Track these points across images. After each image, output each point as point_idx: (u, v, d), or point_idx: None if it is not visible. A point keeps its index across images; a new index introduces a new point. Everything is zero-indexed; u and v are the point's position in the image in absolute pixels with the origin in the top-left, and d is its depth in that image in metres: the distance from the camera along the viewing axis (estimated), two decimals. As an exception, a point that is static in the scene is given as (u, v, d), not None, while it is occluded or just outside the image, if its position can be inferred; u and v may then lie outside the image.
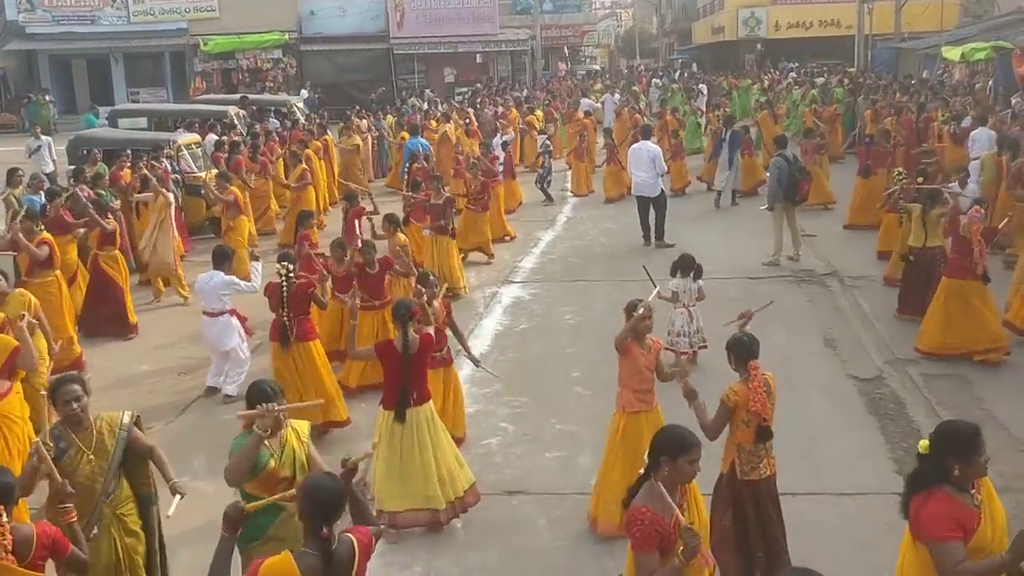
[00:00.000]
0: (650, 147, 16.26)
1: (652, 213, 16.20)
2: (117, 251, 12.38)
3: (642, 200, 16.27)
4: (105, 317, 12.09)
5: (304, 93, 35.23)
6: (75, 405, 5.35)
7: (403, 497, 7.02)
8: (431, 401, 7.29)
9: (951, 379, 9.88)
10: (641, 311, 6.80)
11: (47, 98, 36.28)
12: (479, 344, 11.43)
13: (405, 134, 22.23)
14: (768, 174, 15.85)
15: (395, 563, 6.74)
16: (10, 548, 4.34)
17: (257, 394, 5.15)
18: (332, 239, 10.89)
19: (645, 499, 4.37)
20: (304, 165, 17.40)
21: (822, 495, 7.56)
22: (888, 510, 7.24)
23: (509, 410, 9.51)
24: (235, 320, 10.10)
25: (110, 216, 12.38)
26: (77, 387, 5.39)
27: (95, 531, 5.36)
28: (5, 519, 4.34)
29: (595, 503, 7.12)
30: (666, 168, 16.84)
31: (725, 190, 19.38)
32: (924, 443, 4.37)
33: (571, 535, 7.12)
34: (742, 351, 6.02)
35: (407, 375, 6.97)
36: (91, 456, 5.37)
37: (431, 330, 7.46)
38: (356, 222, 12.72)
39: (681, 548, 4.16)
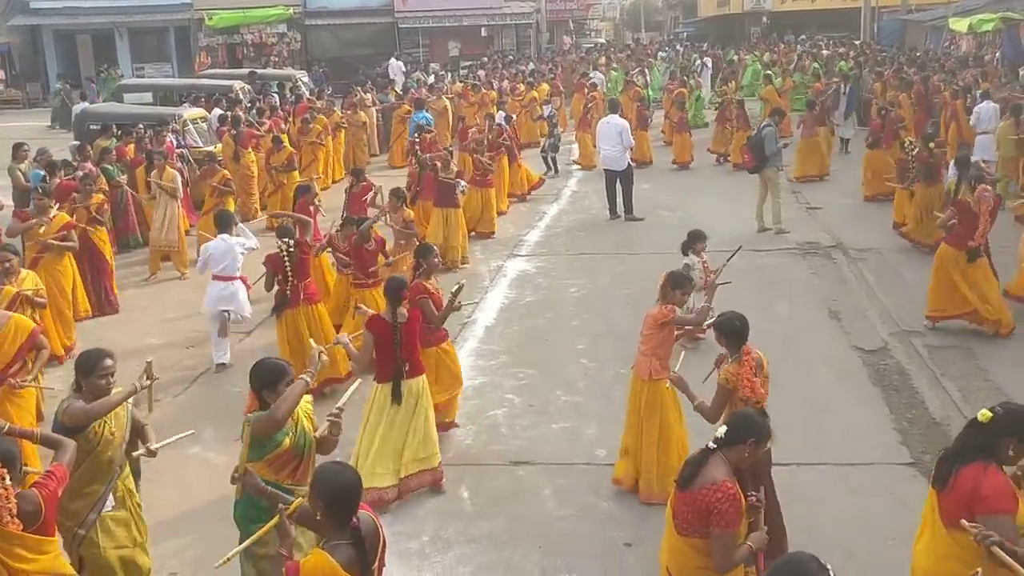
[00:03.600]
0: (617, 121, 16.34)
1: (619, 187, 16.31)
2: (103, 228, 12.30)
3: (609, 174, 16.40)
4: (93, 293, 11.97)
5: (395, 63, 35.33)
6: (111, 379, 5.46)
7: (385, 474, 7.11)
8: (424, 376, 7.35)
9: (956, 351, 9.90)
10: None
11: (118, 71, 36.17)
12: (485, 317, 11.48)
13: (408, 107, 22.27)
14: None
15: (403, 532, 6.81)
16: (14, 512, 4.34)
17: (268, 371, 5.15)
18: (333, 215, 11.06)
19: (725, 474, 4.44)
20: (291, 149, 17.09)
21: (826, 466, 7.60)
22: (892, 481, 7.33)
23: (515, 382, 9.56)
24: (243, 287, 10.26)
25: (98, 195, 12.37)
26: (111, 362, 5.48)
27: (111, 503, 5.45)
28: (8, 482, 4.35)
29: (625, 467, 7.23)
30: (633, 142, 16.87)
31: (848, 138, 21.81)
32: (986, 413, 4.37)
33: (577, 505, 7.18)
34: (735, 335, 6.05)
35: (399, 349, 7.06)
36: (113, 428, 5.45)
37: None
38: (365, 199, 12.76)
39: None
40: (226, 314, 10.06)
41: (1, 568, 4.35)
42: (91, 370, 5.40)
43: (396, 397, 7.09)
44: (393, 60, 36.11)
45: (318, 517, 4.01)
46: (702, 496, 4.37)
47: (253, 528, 4.85)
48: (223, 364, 10.17)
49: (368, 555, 3.92)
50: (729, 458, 4.50)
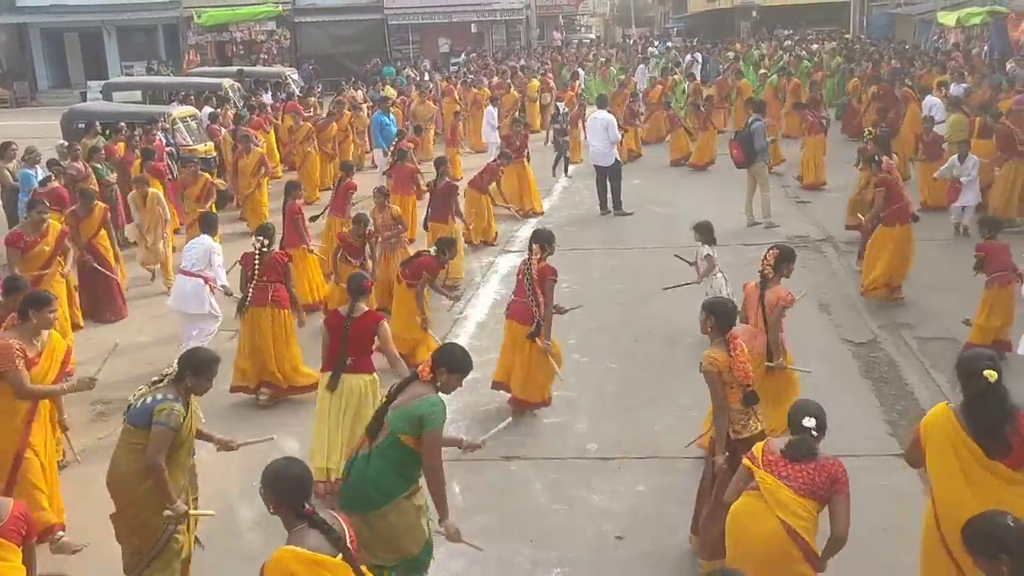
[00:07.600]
0: (604, 116, 16.35)
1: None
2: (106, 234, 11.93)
3: (599, 169, 16.43)
4: (102, 300, 11.83)
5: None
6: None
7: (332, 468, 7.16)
8: (372, 376, 7.39)
9: (945, 342, 9.94)
10: None
11: (169, 66, 36.15)
12: (476, 313, 11.49)
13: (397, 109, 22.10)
14: None
15: (395, 527, 6.81)
16: None
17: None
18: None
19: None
20: (261, 149, 16.52)
21: (816, 457, 7.61)
22: (882, 472, 7.36)
23: (507, 377, 9.56)
24: (207, 289, 10.03)
25: (99, 205, 12.06)
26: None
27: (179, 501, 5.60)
28: None
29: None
30: (619, 137, 16.85)
31: None
32: (992, 373, 4.67)
33: (568, 498, 7.21)
34: (726, 318, 6.01)
35: (345, 343, 7.20)
36: (192, 424, 5.83)
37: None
38: (349, 194, 12.82)
39: None
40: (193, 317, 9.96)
41: None
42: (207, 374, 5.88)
43: (332, 385, 7.21)
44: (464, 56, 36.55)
45: (271, 511, 4.21)
46: (829, 466, 4.88)
47: None
48: None
49: (334, 530, 4.09)
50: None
